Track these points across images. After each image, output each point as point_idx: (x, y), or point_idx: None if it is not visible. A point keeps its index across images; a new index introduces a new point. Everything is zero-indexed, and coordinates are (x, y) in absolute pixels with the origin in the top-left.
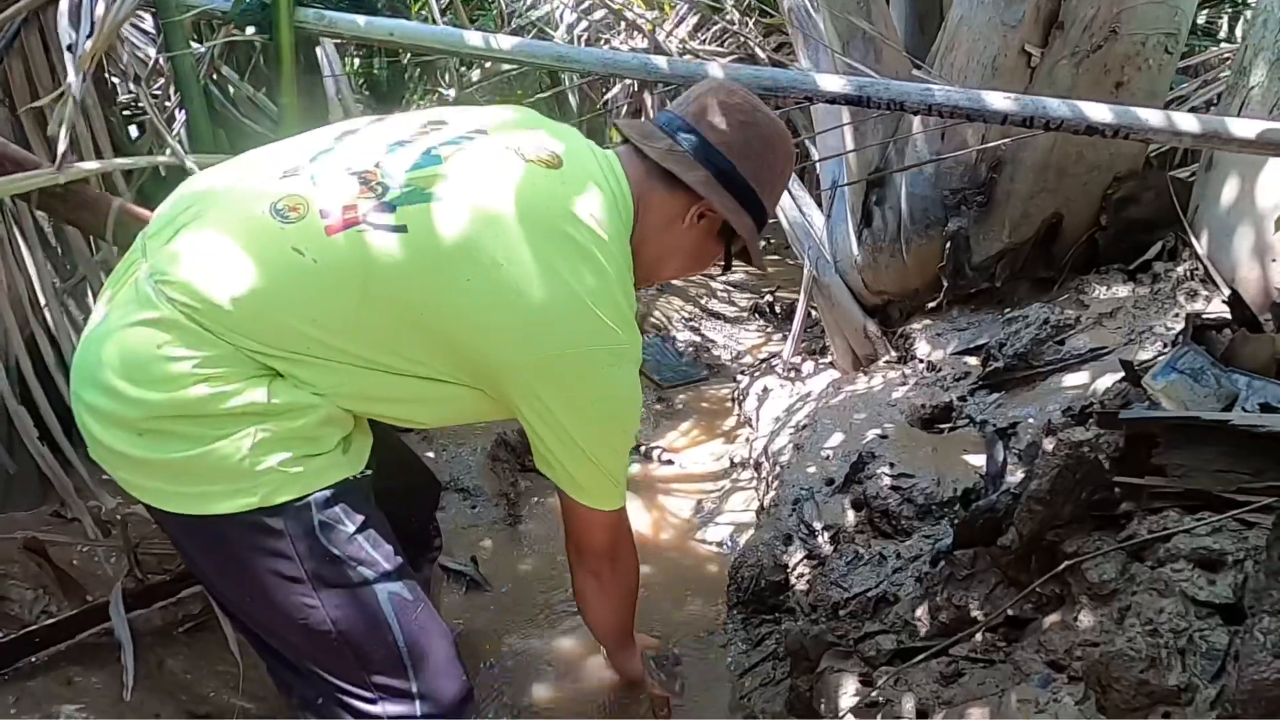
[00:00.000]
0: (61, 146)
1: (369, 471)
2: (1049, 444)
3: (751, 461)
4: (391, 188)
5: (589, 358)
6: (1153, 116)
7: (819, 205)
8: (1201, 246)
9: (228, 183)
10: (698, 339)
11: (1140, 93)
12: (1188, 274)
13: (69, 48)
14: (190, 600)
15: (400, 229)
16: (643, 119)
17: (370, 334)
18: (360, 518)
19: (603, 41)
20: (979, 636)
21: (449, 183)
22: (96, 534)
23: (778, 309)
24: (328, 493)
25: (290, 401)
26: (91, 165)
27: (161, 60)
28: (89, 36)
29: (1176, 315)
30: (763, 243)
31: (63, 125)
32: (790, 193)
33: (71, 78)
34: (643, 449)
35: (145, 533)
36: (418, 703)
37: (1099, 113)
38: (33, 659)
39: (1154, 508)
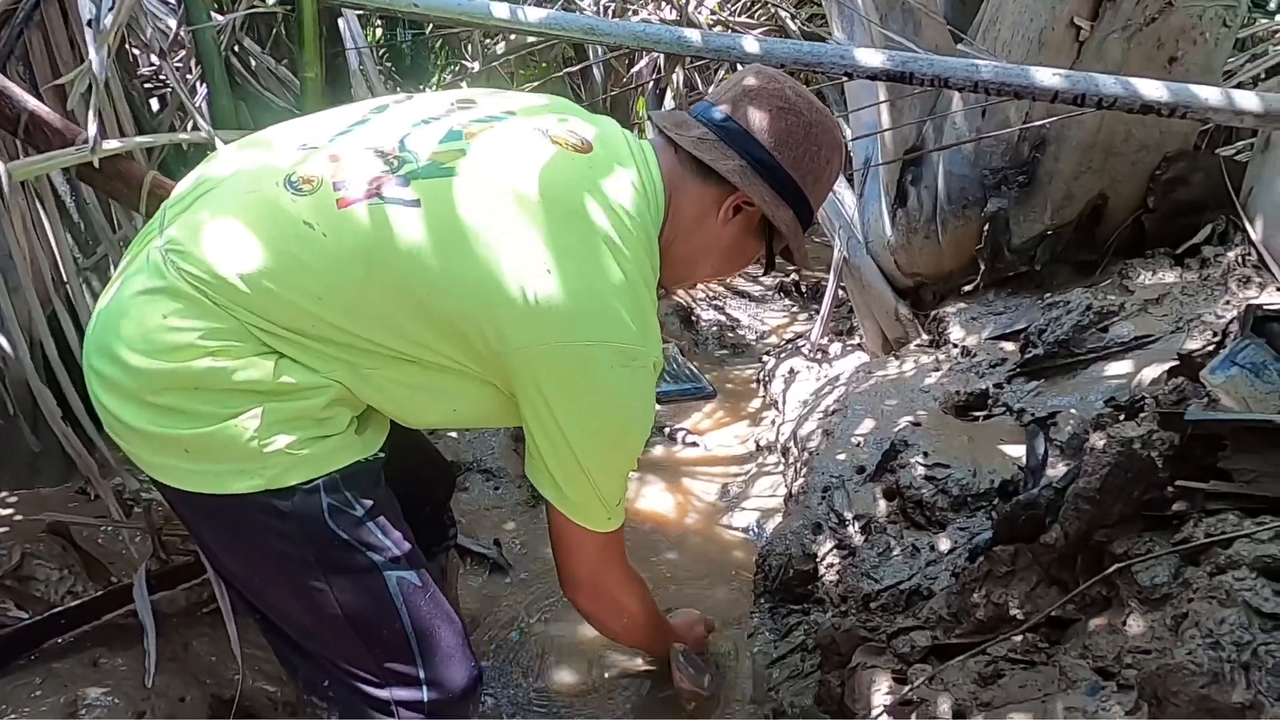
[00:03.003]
0: (91, 129)
1: (382, 455)
2: (1099, 440)
3: (778, 446)
4: (410, 163)
5: (597, 353)
6: (1211, 95)
7: (850, 184)
8: (1255, 231)
9: (247, 157)
10: (722, 318)
11: (1195, 68)
12: (1239, 260)
13: (89, 23)
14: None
15: (414, 203)
16: (671, 102)
17: (375, 314)
18: (370, 502)
19: (630, 14)
20: (1019, 637)
21: (470, 159)
22: (120, 514)
23: (804, 288)
24: (337, 476)
25: (297, 381)
26: (115, 144)
27: (183, 32)
28: (110, 10)
29: (1227, 303)
30: None
31: (90, 107)
32: None
33: (93, 55)
34: (666, 430)
35: (169, 513)
36: (425, 689)
37: (1154, 90)
38: (59, 640)
39: (1210, 509)
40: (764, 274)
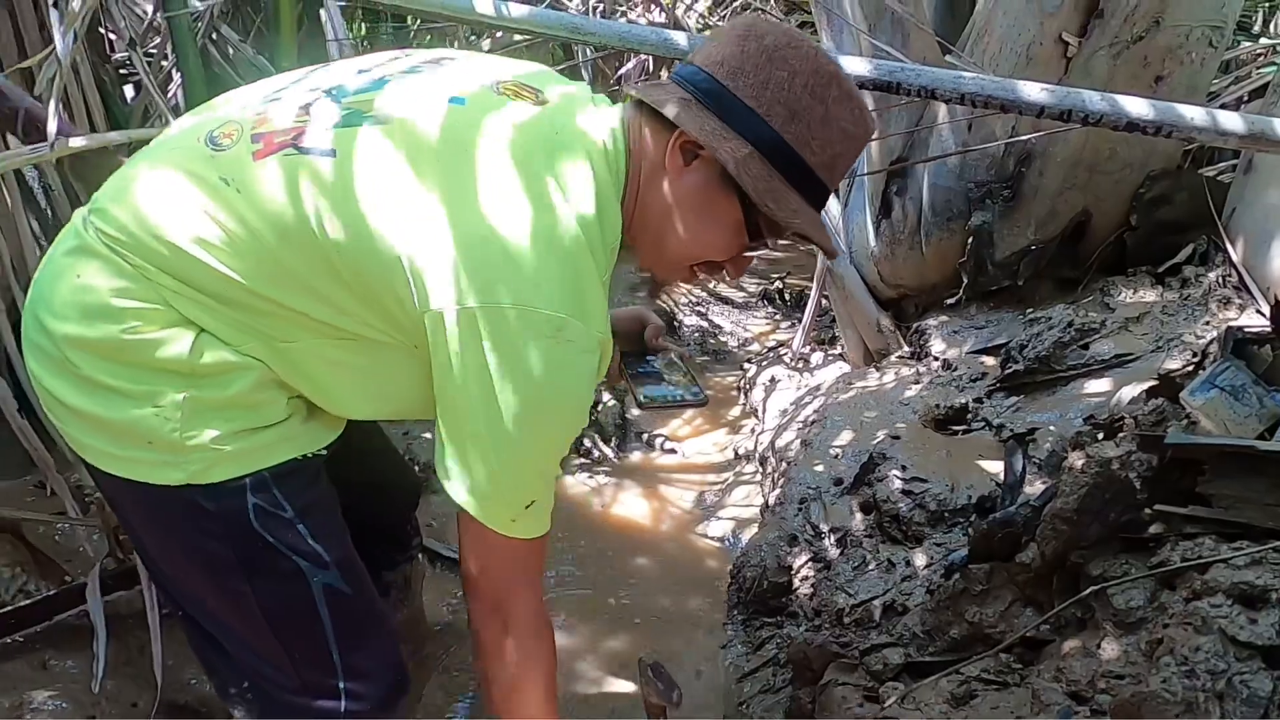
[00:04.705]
0: (51, 125)
1: (323, 451)
2: (1077, 459)
3: (756, 455)
4: (332, 112)
5: (525, 320)
6: (1196, 114)
7: (835, 194)
8: (1236, 252)
9: (190, 119)
10: (704, 323)
11: (1181, 88)
12: (1220, 280)
13: (55, 3)
14: None
15: (329, 154)
16: None
17: (291, 276)
18: (303, 504)
19: (619, 14)
20: (993, 657)
21: (392, 104)
22: (76, 511)
23: (787, 296)
24: (267, 474)
25: (216, 362)
26: (81, 142)
27: (159, 18)
28: None
29: (1207, 323)
30: None
31: (53, 96)
32: None
33: (58, 41)
34: (645, 436)
35: None
36: (343, 699)
37: (1139, 108)
38: (7, 640)
39: (1188, 533)
40: (751, 243)
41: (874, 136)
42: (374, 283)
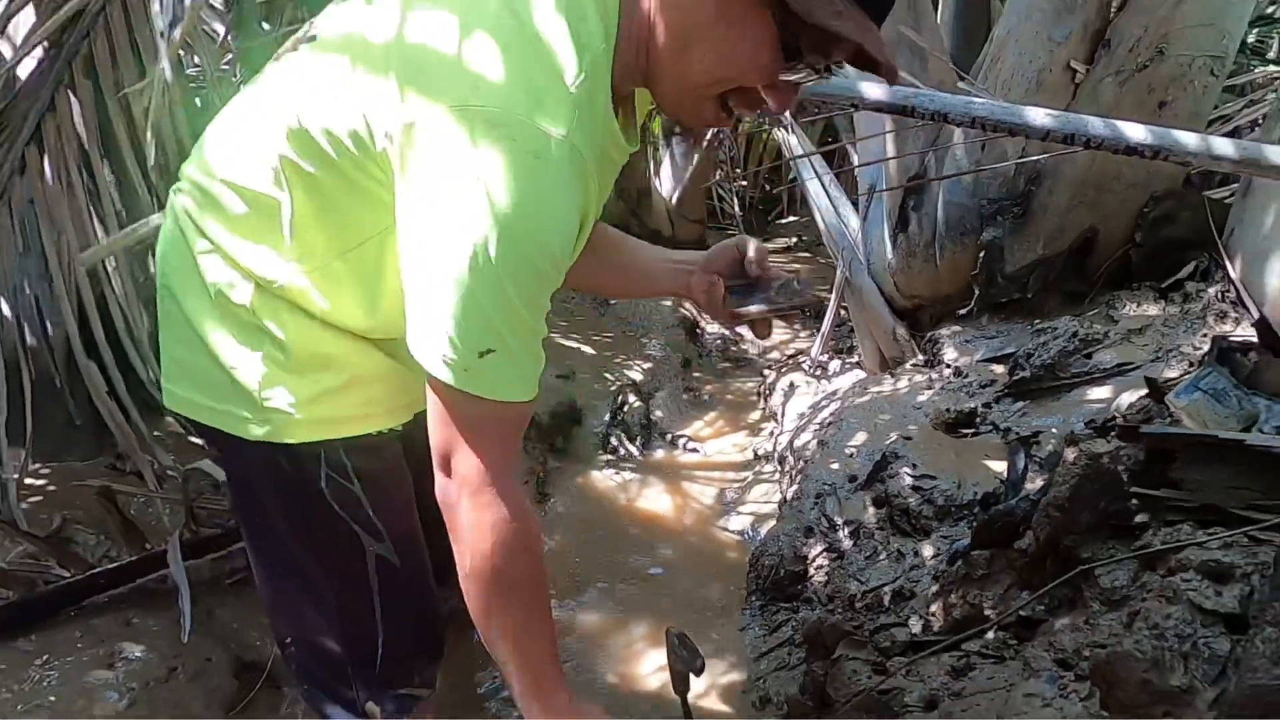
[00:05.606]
0: (150, 154)
1: (397, 428)
2: (1070, 454)
3: (775, 455)
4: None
5: (457, 120)
6: (1190, 140)
7: (855, 209)
8: (1235, 269)
9: None
10: (726, 332)
11: (1184, 114)
12: (1219, 296)
13: (162, 34)
14: (239, 554)
15: (310, 39)
16: None
17: (312, 186)
18: (370, 477)
19: None
20: (991, 634)
21: None
22: (155, 486)
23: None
24: (340, 444)
25: (275, 313)
26: None
27: (230, 40)
28: (174, 26)
29: (1204, 336)
30: (794, 239)
31: (150, 118)
32: (828, 194)
33: (164, 65)
34: (669, 435)
35: (200, 488)
36: (380, 650)
37: (1137, 133)
38: (96, 599)
39: (1169, 520)
40: (789, 64)
41: (891, 157)
42: (340, 130)
